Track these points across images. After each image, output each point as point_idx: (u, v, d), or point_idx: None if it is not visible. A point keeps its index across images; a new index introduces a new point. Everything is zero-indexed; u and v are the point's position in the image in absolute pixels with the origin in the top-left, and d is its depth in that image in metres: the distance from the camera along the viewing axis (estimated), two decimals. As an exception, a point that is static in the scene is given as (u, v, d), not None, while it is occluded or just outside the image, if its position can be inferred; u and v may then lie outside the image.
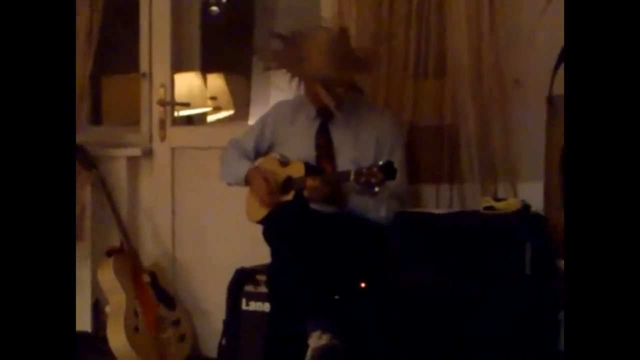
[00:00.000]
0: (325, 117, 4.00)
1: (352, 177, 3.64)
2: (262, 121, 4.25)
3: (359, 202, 3.86)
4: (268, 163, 4.15)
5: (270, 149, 4.20)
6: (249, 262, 4.23)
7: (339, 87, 3.85)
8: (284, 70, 3.94)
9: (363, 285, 3.84)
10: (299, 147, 4.04)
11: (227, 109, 5.92)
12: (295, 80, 3.92)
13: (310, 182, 3.79)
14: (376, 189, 3.61)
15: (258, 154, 4.20)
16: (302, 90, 4.01)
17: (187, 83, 5.40)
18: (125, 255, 4.73)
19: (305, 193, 3.80)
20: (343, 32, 3.91)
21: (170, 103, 5.04)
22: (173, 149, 5.02)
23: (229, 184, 4.22)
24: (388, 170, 3.58)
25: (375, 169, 3.59)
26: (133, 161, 5.09)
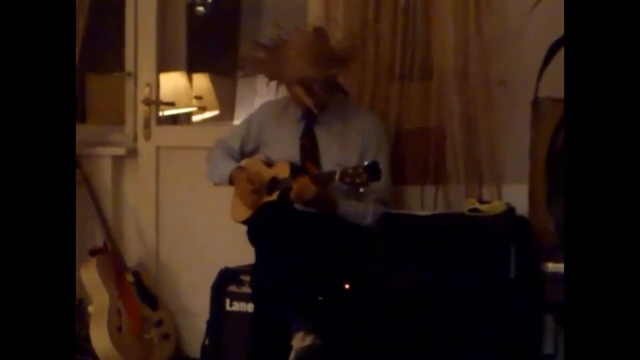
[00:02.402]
0: (310, 118, 3.99)
1: (337, 177, 3.64)
2: (248, 121, 4.24)
3: (346, 209, 3.86)
4: (253, 163, 4.14)
5: (256, 149, 4.19)
6: (233, 263, 4.22)
7: (319, 86, 3.84)
8: (265, 74, 3.95)
9: (347, 286, 3.84)
10: (284, 148, 4.03)
11: (212, 109, 5.91)
12: (274, 83, 3.92)
13: (297, 182, 3.78)
14: (361, 189, 3.63)
15: (244, 154, 4.19)
16: (281, 94, 4.01)
17: (172, 82, 5.39)
18: (109, 255, 4.71)
19: (292, 196, 3.79)
20: (318, 30, 3.93)
21: (156, 102, 5.03)
22: (158, 149, 5.01)
23: (215, 184, 4.21)
24: (373, 171, 3.59)
25: (360, 170, 3.60)
26: (117, 160, 5.08)
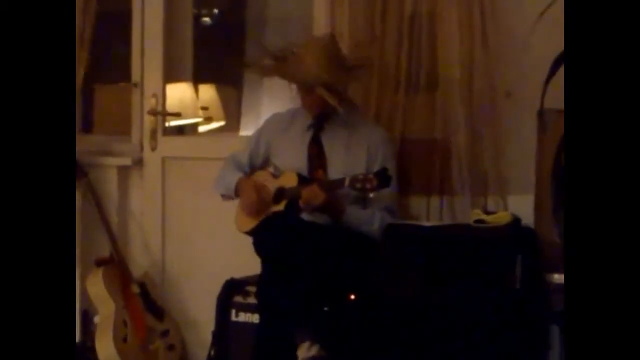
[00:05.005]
0: (319, 126, 4.02)
1: (347, 183, 3.67)
2: (257, 135, 4.27)
3: (353, 215, 3.87)
4: (261, 176, 4.15)
5: (265, 162, 4.20)
6: (239, 273, 4.22)
7: (341, 87, 3.88)
8: (281, 77, 3.99)
9: (352, 297, 3.84)
10: (292, 157, 4.05)
11: (218, 119, 5.92)
12: (294, 86, 3.95)
13: (306, 189, 3.80)
14: (371, 195, 3.65)
15: (253, 167, 4.21)
16: (298, 99, 4.03)
17: (178, 93, 5.39)
18: (115, 266, 4.71)
19: (301, 203, 3.80)
20: (333, 37, 3.98)
21: (162, 113, 5.04)
22: (164, 159, 5.01)
23: (223, 197, 4.22)
24: (383, 177, 3.62)
25: (370, 176, 3.63)
26: (123, 170, 5.08)
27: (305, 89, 3.93)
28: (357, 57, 4.02)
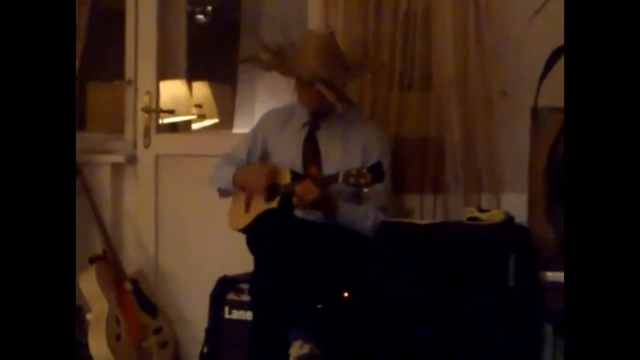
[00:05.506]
0: (315, 123, 4.02)
1: (340, 178, 3.66)
2: (254, 131, 4.27)
3: (347, 212, 3.86)
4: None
5: (262, 159, 4.19)
6: (232, 271, 4.22)
7: (339, 84, 3.89)
8: (279, 71, 3.99)
9: (346, 295, 3.84)
10: (287, 153, 4.05)
11: (211, 117, 5.92)
12: (291, 81, 3.96)
13: (300, 185, 3.79)
14: (365, 190, 3.65)
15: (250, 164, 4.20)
16: (295, 95, 4.02)
17: (172, 90, 5.39)
18: (108, 263, 4.70)
19: (295, 199, 3.80)
20: (333, 35, 4.00)
21: (155, 110, 5.03)
22: (157, 156, 5.00)
23: (220, 192, 4.20)
24: (377, 172, 3.62)
25: (364, 170, 3.63)
26: (117, 168, 5.07)
27: (303, 84, 3.93)
28: (356, 56, 4.02)
